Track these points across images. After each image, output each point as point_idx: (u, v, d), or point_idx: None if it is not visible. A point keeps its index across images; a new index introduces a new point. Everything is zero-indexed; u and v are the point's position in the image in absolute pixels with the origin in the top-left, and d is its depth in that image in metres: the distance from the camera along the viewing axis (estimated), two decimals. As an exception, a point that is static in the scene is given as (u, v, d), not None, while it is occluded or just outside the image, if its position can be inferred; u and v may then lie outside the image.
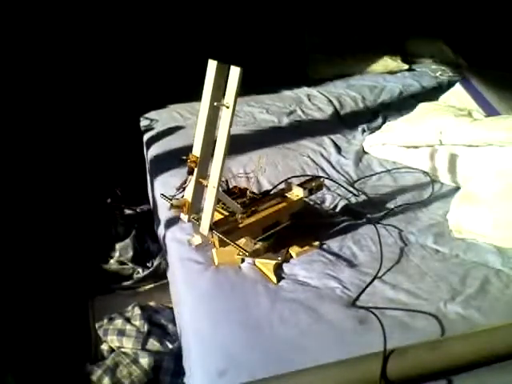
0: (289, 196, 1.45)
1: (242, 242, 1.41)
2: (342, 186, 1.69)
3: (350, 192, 1.68)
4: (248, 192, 1.43)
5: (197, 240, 1.30)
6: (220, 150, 1.21)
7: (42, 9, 2.01)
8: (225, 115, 1.18)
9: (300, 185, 1.47)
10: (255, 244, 1.39)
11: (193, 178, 1.29)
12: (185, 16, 2.32)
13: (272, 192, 1.53)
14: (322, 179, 1.53)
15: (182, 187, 1.34)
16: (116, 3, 2.13)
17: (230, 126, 1.18)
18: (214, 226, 1.29)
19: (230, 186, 1.53)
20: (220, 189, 1.42)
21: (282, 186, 1.54)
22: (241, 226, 1.33)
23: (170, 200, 1.35)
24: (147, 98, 2.24)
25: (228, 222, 1.34)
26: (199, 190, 1.30)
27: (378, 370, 0.94)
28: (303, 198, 1.45)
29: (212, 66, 1.21)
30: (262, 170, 1.44)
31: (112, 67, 2.17)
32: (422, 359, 0.99)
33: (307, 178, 1.57)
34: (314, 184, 1.48)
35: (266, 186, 1.70)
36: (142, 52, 2.23)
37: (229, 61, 1.15)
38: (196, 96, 1.24)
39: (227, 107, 1.17)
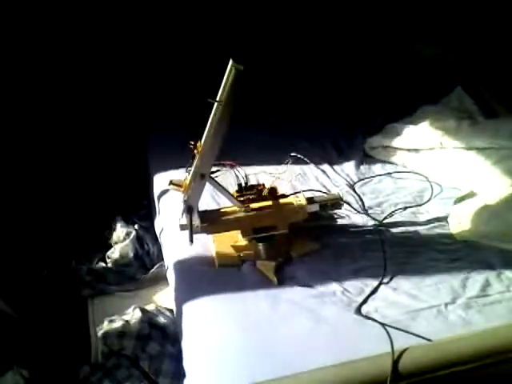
0: (295, 204, 1.38)
1: (238, 237, 1.40)
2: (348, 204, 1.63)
3: (355, 209, 1.61)
4: (264, 191, 1.38)
5: (183, 221, 1.31)
6: (206, 144, 1.21)
7: (56, 27, 2.03)
8: (218, 111, 1.18)
9: (311, 197, 1.41)
10: (250, 242, 1.39)
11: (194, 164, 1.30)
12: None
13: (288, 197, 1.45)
14: (339, 198, 1.44)
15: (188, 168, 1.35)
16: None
17: (222, 122, 1.18)
18: (203, 213, 1.31)
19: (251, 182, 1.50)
20: (223, 182, 1.42)
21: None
22: (223, 219, 1.33)
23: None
24: (150, 102, 2.25)
25: (217, 213, 1.35)
26: None
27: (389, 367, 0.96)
28: (302, 207, 1.37)
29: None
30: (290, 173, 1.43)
31: (120, 72, 2.18)
32: (428, 358, 1.00)
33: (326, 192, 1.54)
34: (328, 199, 1.42)
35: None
36: (152, 60, 2.23)
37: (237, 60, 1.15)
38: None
39: (220, 103, 1.17)
